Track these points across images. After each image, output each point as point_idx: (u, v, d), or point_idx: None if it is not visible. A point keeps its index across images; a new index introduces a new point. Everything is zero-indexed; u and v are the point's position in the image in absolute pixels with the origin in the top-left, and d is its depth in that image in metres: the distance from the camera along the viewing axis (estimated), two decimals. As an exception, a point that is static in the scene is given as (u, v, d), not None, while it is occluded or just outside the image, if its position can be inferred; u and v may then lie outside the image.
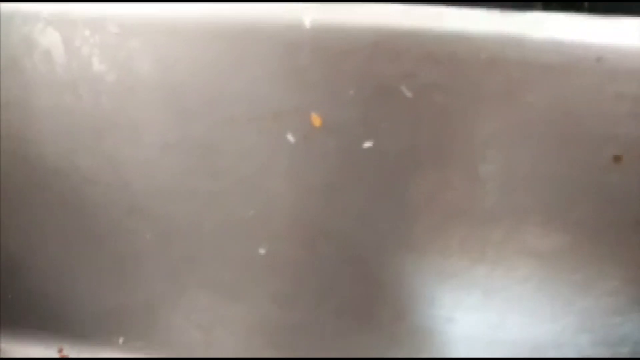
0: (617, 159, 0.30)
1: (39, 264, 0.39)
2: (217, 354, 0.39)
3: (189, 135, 0.34)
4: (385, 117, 0.31)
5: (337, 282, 0.36)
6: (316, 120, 0.32)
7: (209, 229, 0.37)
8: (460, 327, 0.35)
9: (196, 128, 0.34)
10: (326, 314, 0.37)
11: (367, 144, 0.32)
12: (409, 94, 0.30)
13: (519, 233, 0.32)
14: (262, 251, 0.36)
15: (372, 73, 0.31)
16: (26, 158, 0.37)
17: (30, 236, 0.39)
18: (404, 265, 0.34)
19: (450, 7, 0.30)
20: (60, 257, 0.39)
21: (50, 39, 0.34)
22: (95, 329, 0.40)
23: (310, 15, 0.30)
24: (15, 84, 0.35)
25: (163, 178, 0.36)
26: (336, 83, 0.31)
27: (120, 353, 0.41)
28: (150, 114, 0.34)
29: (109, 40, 0.33)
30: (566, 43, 0.28)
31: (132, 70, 0.33)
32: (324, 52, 0.31)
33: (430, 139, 0.31)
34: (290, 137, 0.33)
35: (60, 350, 0.41)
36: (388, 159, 0.32)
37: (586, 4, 0.43)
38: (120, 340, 0.40)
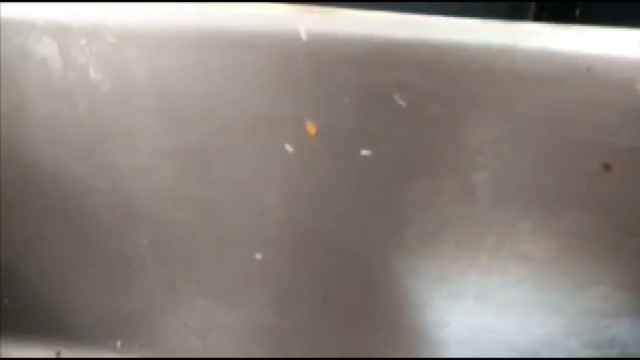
0: (606, 167, 0.30)
1: (37, 269, 0.40)
2: (212, 355, 0.40)
3: (184, 144, 0.34)
4: (380, 126, 0.32)
5: (332, 288, 0.36)
6: (311, 128, 0.33)
7: (205, 235, 0.37)
8: (454, 331, 0.36)
9: (191, 136, 0.34)
10: (321, 319, 0.38)
11: (365, 152, 0.33)
12: (403, 103, 0.31)
13: (511, 239, 0.33)
14: (258, 257, 0.36)
15: (367, 82, 0.31)
16: (24, 165, 0.37)
17: (28, 242, 0.39)
18: (399, 271, 0.35)
19: (443, 16, 0.31)
20: (58, 263, 0.39)
21: (46, 48, 0.34)
22: (93, 333, 0.41)
23: (305, 25, 0.31)
24: (12, 93, 0.35)
25: (159, 186, 0.36)
26: (331, 92, 0.32)
27: (117, 357, 0.41)
28: (146, 123, 0.35)
29: (105, 49, 0.33)
30: (556, 53, 0.29)
31: (128, 79, 0.34)
32: (319, 61, 0.31)
33: (424, 147, 0.32)
34: (285, 145, 0.33)
35: (57, 354, 0.41)
36: (382, 167, 0.33)
37: (577, 10, 0.43)
38: (118, 344, 0.41)
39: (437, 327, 0.36)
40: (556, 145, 0.30)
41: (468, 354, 0.37)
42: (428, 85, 0.30)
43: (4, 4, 0.34)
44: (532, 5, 0.64)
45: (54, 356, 0.41)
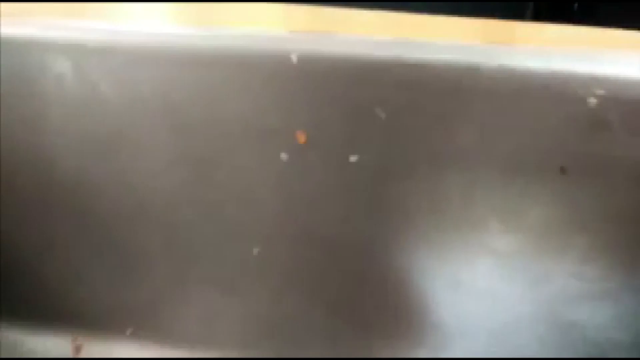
0: (563, 170, 0.34)
1: (55, 264, 0.43)
2: (216, 343, 0.43)
3: (188, 151, 0.38)
4: (363, 135, 0.36)
5: (323, 280, 0.40)
6: (301, 137, 0.36)
7: (207, 233, 0.41)
8: (434, 317, 0.40)
9: (195, 145, 0.38)
10: (314, 307, 0.42)
11: (352, 158, 0.36)
12: (382, 115, 0.34)
13: (480, 235, 0.37)
14: (255, 252, 0.40)
15: (350, 97, 0.35)
16: (43, 170, 0.40)
17: (48, 238, 0.43)
18: (382, 265, 0.39)
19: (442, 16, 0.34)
20: (74, 258, 0.43)
21: (62, 66, 0.37)
22: (106, 321, 0.44)
23: (296, 46, 0.34)
24: (30, 106, 0.39)
25: (166, 189, 0.40)
26: (319, 106, 0.35)
27: (128, 342, 0.44)
28: (154, 132, 0.38)
29: (116, 67, 0.37)
30: (516, 72, 0.32)
31: (136, 94, 0.37)
32: (308, 79, 0.35)
33: (401, 154, 0.35)
34: (281, 154, 0.37)
35: (74, 339, 0.45)
36: (368, 171, 0.36)
37: (575, 5, 0.45)
38: (129, 331, 0.44)
39: (420, 314, 0.40)
40: (519, 152, 0.34)
41: (448, 339, 0.41)
42: (404, 100, 0.34)
43: (25, 24, 0.37)
44: (530, 4, 0.66)
45: (70, 341, 0.45)
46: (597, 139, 0.33)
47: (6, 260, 0.44)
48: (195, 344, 0.44)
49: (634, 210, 0.35)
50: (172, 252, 0.41)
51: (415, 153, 0.35)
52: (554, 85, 0.32)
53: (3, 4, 0.40)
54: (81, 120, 0.39)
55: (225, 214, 0.39)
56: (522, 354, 0.40)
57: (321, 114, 0.35)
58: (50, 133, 0.39)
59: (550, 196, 0.35)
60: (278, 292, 0.41)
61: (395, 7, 0.39)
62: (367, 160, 0.36)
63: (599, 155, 0.33)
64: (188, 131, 0.38)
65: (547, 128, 0.33)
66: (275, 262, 0.40)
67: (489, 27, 0.36)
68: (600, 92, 0.31)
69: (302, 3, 0.39)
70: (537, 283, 0.37)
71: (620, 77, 0.31)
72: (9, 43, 0.37)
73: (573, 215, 0.35)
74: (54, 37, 0.37)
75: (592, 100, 0.32)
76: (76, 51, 0.37)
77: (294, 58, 0.34)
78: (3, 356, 0.45)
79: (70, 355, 0.44)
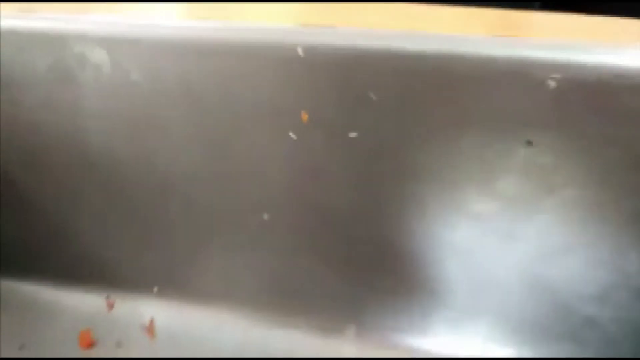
0: (529, 143, 0.40)
1: (90, 231, 0.49)
2: (231, 299, 0.49)
3: (206, 131, 0.44)
4: (359, 115, 0.41)
5: (325, 242, 0.46)
6: (304, 116, 0.42)
7: (223, 201, 0.46)
8: (422, 274, 0.46)
9: (212, 125, 0.43)
10: (317, 266, 0.47)
11: (352, 135, 0.42)
12: (374, 98, 0.40)
13: (459, 198, 0.42)
14: (266, 217, 0.46)
15: (348, 82, 0.40)
16: (80, 150, 0.46)
17: (84, 209, 0.48)
18: (377, 228, 0.45)
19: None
20: (107, 225, 0.49)
21: (98, 56, 0.43)
22: (135, 280, 0.50)
23: (301, 39, 0.40)
24: (69, 92, 0.44)
25: (186, 164, 0.46)
26: (322, 89, 0.41)
27: (155, 299, 0.50)
28: (176, 114, 0.44)
29: (145, 57, 0.42)
30: (491, 59, 0.38)
31: (161, 80, 0.43)
32: (311, 66, 0.40)
33: (391, 130, 0.41)
34: (288, 131, 0.42)
35: (108, 297, 0.51)
36: (366, 145, 0.42)
37: None
38: (155, 289, 0.50)
39: (410, 271, 0.46)
40: (492, 127, 0.40)
41: (435, 294, 0.47)
42: (392, 85, 0.40)
43: (67, 20, 0.43)
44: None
45: (104, 299, 0.51)
46: (558, 116, 0.38)
47: (47, 229, 0.50)
48: (213, 299, 0.50)
49: (596, 175, 0.40)
50: (192, 218, 0.47)
51: (402, 130, 0.41)
52: (519, 70, 0.38)
53: (3, 4, 0.46)
54: (114, 104, 0.44)
55: (238, 184, 0.45)
56: (500, 308, 0.46)
57: (323, 97, 0.41)
58: (87, 116, 0.45)
59: (518, 165, 0.40)
60: (285, 253, 0.47)
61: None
62: (365, 136, 0.42)
63: (560, 129, 0.39)
64: (206, 113, 0.43)
65: (515, 107, 0.39)
66: (283, 227, 0.46)
67: (494, 17, 0.42)
68: (558, 75, 0.37)
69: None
70: (509, 242, 0.43)
71: (575, 63, 0.37)
72: (53, 37, 0.43)
73: (538, 181, 0.40)
74: (93, 31, 0.43)
75: (551, 83, 0.37)
76: (111, 43, 0.42)
77: (299, 49, 0.40)
78: (43, 313, 0.51)
79: (105, 311, 0.50)
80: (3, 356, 0.47)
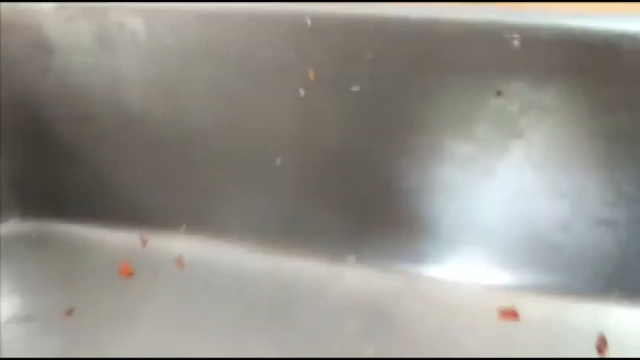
0: (499, 93, 0.47)
1: (127, 176, 0.56)
2: (249, 232, 0.57)
3: (227, 89, 0.51)
4: (359, 71, 0.49)
5: (332, 184, 0.52)
6: (311, 74, 0.50)
7: (241, 149, 0.53)
8: (411, 211, 0.54)
9: (232, 83, 0.50)
10: (324, 206, 0.54)
11: (354, 88, 0.49)
12: (369, 56, 0.48)
13: (442, 141, 0.50)
14: (278, 161, 0.54)
15: (347, 44, 0.48)
16: (120, 108, 0.53)
17: (121, 157, 0.56)
18: (378, 170, 0.52)
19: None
20: (141, 171, 0.56)
21: (135, 24, 0.51)
22: (165, 219, 0.57)
23: (310, 11, 0.48)
24: (111, 56, 0.52)
25: (210, 118, 0.52)
26: (326, 51, 0.48)
27: (183, 236, 0.57)
28: (203, 74, 0.51)
29: (176, 24, 0.50)
30: (468, 22, 0.45)
31: (191, 44, 0.50)
32: (319, 33, 0.48)
33: (384, 83, 0.49)
34: (298, 88, 0.50)
35: (142, 235, 0.59)
36: (367, 97, 0.49)
37: None
38: (183, 227, 0.57)
39: (404, 209, 0.54)
40: (467, 81, 0.47)
41: (426, 230, 0.54)
42: (383, 46, 0.47)
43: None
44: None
45: (138, 237, 0.59)
46: (522, 69, 0.46)
47: (91, 177, 0.58)
48: (233, 234, 0.56)
49: (557, 119, 0.47)
50: (215, 164, 0.55)
51: (395, 84, 0.48)
52: (489, 32, 0.45)
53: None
54: (149, 66, 0.52)
55: (254, 134, 0.52)
56: (482, 238, 0.54)
57: (326, 57, 0.49)
58: (126, 76, 0.53)
59: (490, 112, 0.48)
60: (295, 193, 0.54)
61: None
62: (366, 88, 0.49)
63: (524, 81, 0.46)
64: (227, 73, 0.51)
65: (486, 63, 0.46)
66: (293, 170, 0.53)
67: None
68: (518, 35, 0.44)
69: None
70: (487, 179, 0.51)
71: (533, 25, 0.44)
72: (96, 9, 0.51)
73: (506, 127, 0.48)
74: (131, 2, 0.50)
75: (516, 43, 0.45)
76: (146, 13, 0.50)
77: (307, 19, 0.47)
78: (88, 249, 0.59)
79: (140, 247, 0.58)
80: (56, 281, 0.55)
